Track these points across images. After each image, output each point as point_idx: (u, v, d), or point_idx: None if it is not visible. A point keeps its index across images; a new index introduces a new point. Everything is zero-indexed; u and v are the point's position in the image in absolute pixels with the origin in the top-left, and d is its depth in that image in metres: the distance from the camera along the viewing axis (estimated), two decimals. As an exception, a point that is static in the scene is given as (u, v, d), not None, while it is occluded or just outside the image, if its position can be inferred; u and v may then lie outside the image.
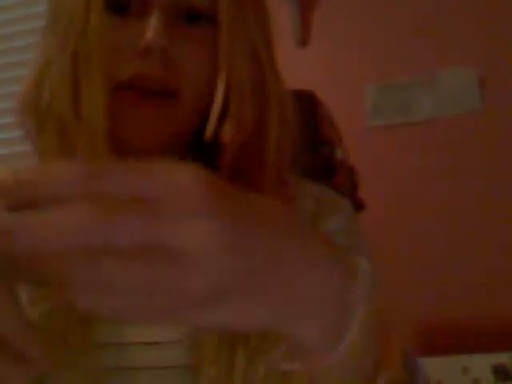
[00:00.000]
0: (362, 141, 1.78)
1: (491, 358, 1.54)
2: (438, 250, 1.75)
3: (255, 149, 0.62)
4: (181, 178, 0.32)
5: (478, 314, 1.69)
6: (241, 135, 0.61)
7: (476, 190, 1.75)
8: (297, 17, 1.89)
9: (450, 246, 1.75)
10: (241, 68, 0.61)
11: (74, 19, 0.58)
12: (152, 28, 0.57)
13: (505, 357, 1.53)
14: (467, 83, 1.77)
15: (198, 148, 0.65)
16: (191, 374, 0.57)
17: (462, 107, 1.78)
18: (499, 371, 1.52)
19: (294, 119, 0.64)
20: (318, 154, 1.36)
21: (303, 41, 1.90)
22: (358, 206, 1.43)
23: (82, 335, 0.56)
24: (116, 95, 0.58)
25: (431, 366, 1.39)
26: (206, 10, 0.60)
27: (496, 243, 1.71)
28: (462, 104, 1.78)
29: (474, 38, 1.78)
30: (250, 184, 0.61)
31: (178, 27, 0.59)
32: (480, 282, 1.69)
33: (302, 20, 1.90)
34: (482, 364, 1.53)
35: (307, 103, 1.35)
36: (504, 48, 1.76)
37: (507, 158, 1.74)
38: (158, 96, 0.59)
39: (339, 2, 1.89)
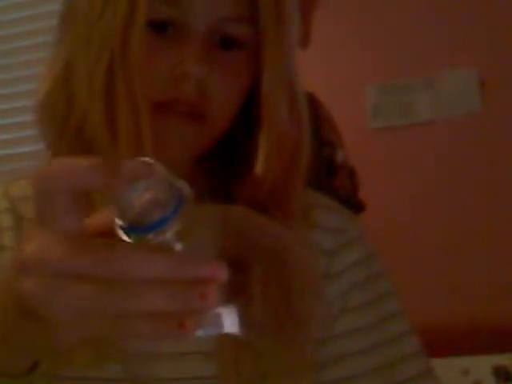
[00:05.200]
0: (362, 142, 1.78)
1: (492, 360, 1.54)
2: (438, 250, 1.75)
3: (289, 177, 0.63)
4: None
5: (478, 316, 1.68)
6: (281, 167, 0.61)
7: (476, 191, 1.75)
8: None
9: (450, 246, 1.74)
10: (283, 109, 0.61)
11: (111, 33, 0.56)
12: (191, 56, 0.57)
13: (505, 358, 1.53)
14: (467, 84, 1.77)
15: (222, 155, 0.66)
16: None
17: (462, 108, 1.78)
18: (500, 372, 1.52)
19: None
20: (318, 155, 1.36)
21: (304, 42, 1.90)
22: (359, 207, 1.43)
23: (92, 348, 0.56)
24: (151, 116, 0.57)
25: None
26: (244, 37, 0.60)
27: (496, 244, 1.71)
28: (462, 105, 1.78)
29: (474, 40, 1.78)
30: (280, 209, 0.61)
31: (214, 53, 0.59)
32: (480, 283, 1.69)
33: (302, 21, 1.90)
34: (482, 365, 1.53)
35: (307, 105, 1.35)
36: (504, 49, 1.76)
37: (507, 159, 1.74)
38: (187, 119, 0.59)
39: (340, 4, 1.89)
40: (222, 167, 0.66)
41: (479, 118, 1.76)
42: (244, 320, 0.39)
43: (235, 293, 0.57)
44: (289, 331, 0.58)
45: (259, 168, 0.61)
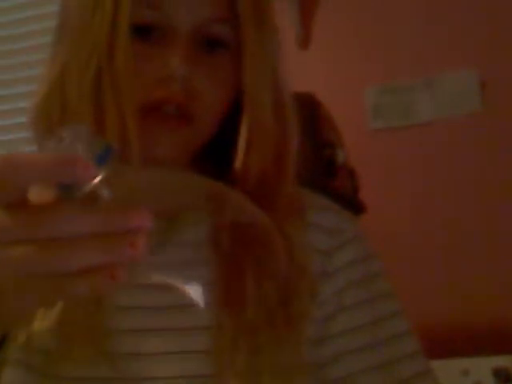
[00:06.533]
0: (362, 143, 1.78)
1: (491, 361, 1.53)
2: (439, 251, 1.75)
3: (276, 173, 0.64)
4: None
5: (479, 316, 1.68)
6: (265, 162, 0.62)
7: (476, 191, 1.75)
8: (297, 19, 1.89)
9: (450, 248, 1.74)
10: (264, 104, 0.62)
11: (98, 39, 0.58)
12: (176, 57, 0.59)
13: (505, 359, 1.53)
14: (468, 85, 1.77)
15: (211, 151, 0.67)
16: None
17: (462, 109, 1.78)
18: (500, 374, 1.52)
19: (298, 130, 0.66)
20: (318, 156, 1.36)
21: (304, 43, 1.90)
22: (359, 208, 1.42)
23: (91, 347, 0.56)
24: (138, 117, 0.59)
25: None
26: (226, 38, 0.62)
27: (496, 244, 1.71)
28: (463, 106, 1.78)
29: (474, 40, 1.78)
30: (271, 208, 0.62)
31: (198, 54, 0.60)
32: (480, 284, 1.69)
33: (302, 22, 1.90)
34: (482, 367, 1.53)
35: (307, 105, 1.35)
36: (504, 50, 1.76)
37: (508, 160, 1.74)
38: (177, 120, 0.60)
39: (340, 5, 1.89)
40: (216, 166, 0.67)
41: (479, 118, 1.76)
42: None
43: (229, 291, 0.58)
44: (284, 330, 0.59)
45: (241, 162, 0.62)
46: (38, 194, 0.37)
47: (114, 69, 0.58)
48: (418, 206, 1.79)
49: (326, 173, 1.39)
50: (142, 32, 0.60)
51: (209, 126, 0.63)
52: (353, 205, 1.39)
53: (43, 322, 0.57)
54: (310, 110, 1.37)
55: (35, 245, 0.36)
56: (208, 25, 0.61)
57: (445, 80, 1.79)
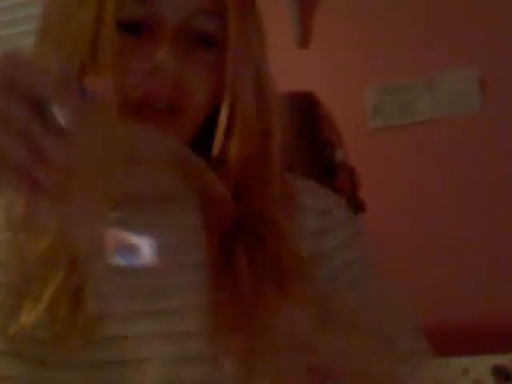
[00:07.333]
0: (362, 142, 1.78)
1: (491, 359, 1.54)
2: (438, 250, 1.75)
3: (260, 162, 0.64)
4: None
5: (478, 316, 1.69)
6: (247, 150, 0.63)
7: (476, 191, 1.75)
8: (297, 18, 1.89)
9: (449, 246, 1.75)
10: (246, 89, 0.63)
11: (82, 33, 0.59)
12: (163, 48, 0.60)
13: (505, 358, 1.53)
14: (467, 84, 1.77)
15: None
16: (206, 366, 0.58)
17: (462, 108, 1.78)
18: (499, 372, 1.52)
19: (288, 123, 0.67)
20: (318, 155, 1.36)
21: (304, 42, 1.90)
22: (359, 207, 1.43)
23: (83, 334, 0.57)
24: (125, 112, 0.59)
25: (431, 367, 1.38)
26: (213, 34, 0.63)
27: (496, 243, 1.71)
28: (462, 105, 1.78)
29: (474, 40, 1.78)
30: (257, 196, 0.63)
31: (185, 49, 0.61)
32: (480, 283, 1.69)
33: (302, 21, 1.90)
34: (482, 365, 1.53)
35: (307, 105, 1.36)
36: (504, 49, 1.76)
37: (507, 160, 1.74)
38: (165, 113, 0.61)
39: (340, 4, 1.89)
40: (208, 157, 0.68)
41: (479, 117, 1.76)
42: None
43: (223, 273, 0.59)
44: (277, 308, 0.59)
45: (218, 150, 0.63)
46: None
47: (98, 65, 0.58)
48: (417, 205, 1.79)
49: (326, 172, 1.39)
50: (131, 30, 0.61)
51: (196, 120, 0.64)
52: (352, 204, 1.39)
53: (30, 315, 0.57)
54: (309, 109, 1.38)
55: None
56: (195, 17, 0.62)
57: (444, 79, 1.79)
